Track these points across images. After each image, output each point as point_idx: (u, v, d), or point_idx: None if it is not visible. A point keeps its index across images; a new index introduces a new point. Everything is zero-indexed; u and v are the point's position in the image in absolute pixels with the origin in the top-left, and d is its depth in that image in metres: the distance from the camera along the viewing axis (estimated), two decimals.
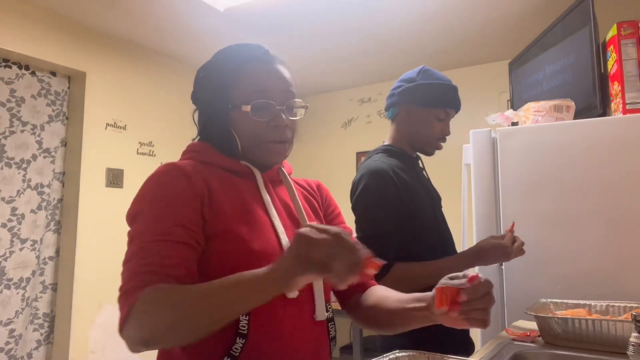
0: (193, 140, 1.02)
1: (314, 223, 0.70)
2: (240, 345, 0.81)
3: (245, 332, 0.81)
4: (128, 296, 0.74)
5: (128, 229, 0.84)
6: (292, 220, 0.96)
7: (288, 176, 1.03)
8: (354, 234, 1.12)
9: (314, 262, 0.65)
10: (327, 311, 0.93)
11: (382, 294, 0.99)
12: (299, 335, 0.87)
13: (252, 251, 0.84)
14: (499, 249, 1.35)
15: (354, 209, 1.44)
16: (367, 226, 1.39)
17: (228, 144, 0.94)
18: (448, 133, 1.53)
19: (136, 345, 0.73)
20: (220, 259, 0.83)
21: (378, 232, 1.36)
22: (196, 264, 0.82)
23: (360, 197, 1.41)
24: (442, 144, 1.54)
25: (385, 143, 1.58)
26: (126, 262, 0.79)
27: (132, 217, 0.84)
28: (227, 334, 0.80)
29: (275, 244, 0.88)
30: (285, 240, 0.89)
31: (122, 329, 0.74)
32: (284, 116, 0.91)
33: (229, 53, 0.96)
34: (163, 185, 0.85)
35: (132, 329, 0.73)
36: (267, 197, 0.93)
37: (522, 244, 1.38)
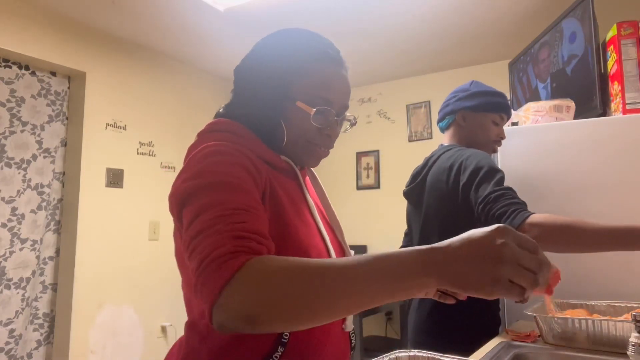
0: (218, 114, 0.92)
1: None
2: (280, 353, 0.77)
3: (286, 340, 0.78)
4: (226, 262, 0.58)
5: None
6: (326, 223, 0.93)
7: (316, 175, 1.02)
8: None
9: (520, 271, 0.51)
10: None
11: None
12: (330, 345, 0.86)
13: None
14: None
15: (472, 172, 1.35)
16: (498, 182, 1.30)
17: (273, 134, 0.87)
18: (504, 136, 1.60)
19: (237, 321, 0.56)
20: None
21: (506, 187, 1.30)
22: None
23: (478, 162, 1.36)
24: (497, 147, 1.61)
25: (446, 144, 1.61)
26: (204, 231, 0.63)
27: (189, 193, 0.69)
28: (268, 341, 0.77)
29: (325, 252, 0.84)
30: (331, 248, 0.85)
31: (215, 302, 0.58)
32: (337, 127, 0.90)
33: (301, 40, 0.88)
34: (228, 163, 0.73)
35: (236, 300, 0.57)
36: (310, 200, 0.90)
37: None
